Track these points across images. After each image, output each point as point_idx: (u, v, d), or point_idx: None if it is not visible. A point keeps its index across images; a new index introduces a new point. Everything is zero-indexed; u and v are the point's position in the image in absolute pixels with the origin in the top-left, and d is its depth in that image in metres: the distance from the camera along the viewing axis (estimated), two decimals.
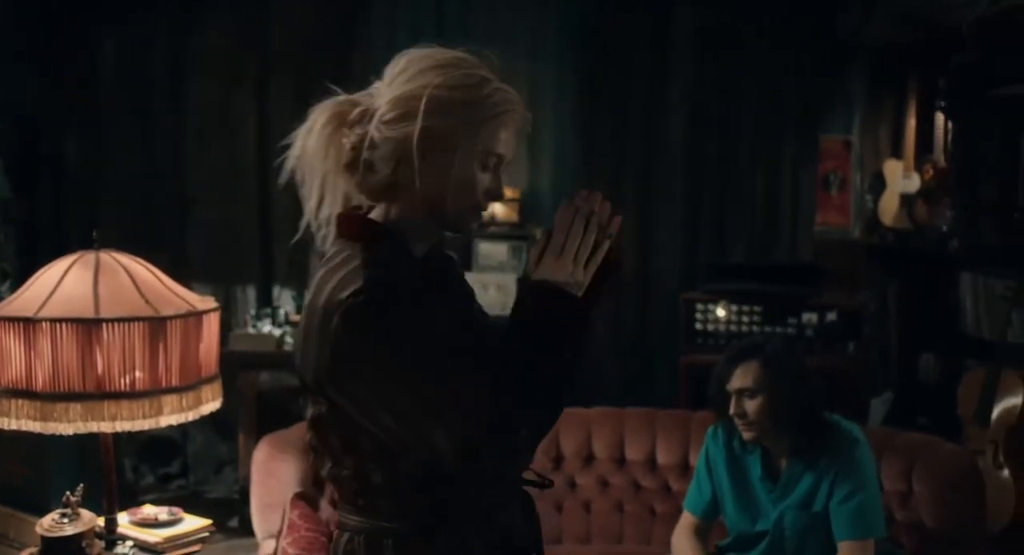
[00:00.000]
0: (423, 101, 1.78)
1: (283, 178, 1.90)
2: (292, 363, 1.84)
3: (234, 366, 5.70)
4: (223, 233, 6.70)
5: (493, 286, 6.70)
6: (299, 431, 3.90)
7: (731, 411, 3.17)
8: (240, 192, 6.70)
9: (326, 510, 3.74)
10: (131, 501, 4.42)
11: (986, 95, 5.85)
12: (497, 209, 6.91)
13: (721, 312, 5.55)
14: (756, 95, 6.80)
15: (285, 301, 6.64)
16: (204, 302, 3.03)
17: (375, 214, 1.87)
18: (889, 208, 7.07)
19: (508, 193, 6.94)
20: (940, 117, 6.79)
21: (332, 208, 1.89)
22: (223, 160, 6.69)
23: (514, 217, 6.95)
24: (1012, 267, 5.58)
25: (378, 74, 1.94)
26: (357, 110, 1.85)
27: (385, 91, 1.84)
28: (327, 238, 1.89)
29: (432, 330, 1.71)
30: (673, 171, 6.84)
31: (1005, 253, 5.67)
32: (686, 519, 3.42)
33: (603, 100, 6.89)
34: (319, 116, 1.88)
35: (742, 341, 3.31)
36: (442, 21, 7.05)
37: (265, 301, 6.62)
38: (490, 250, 6.88)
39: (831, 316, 5.43)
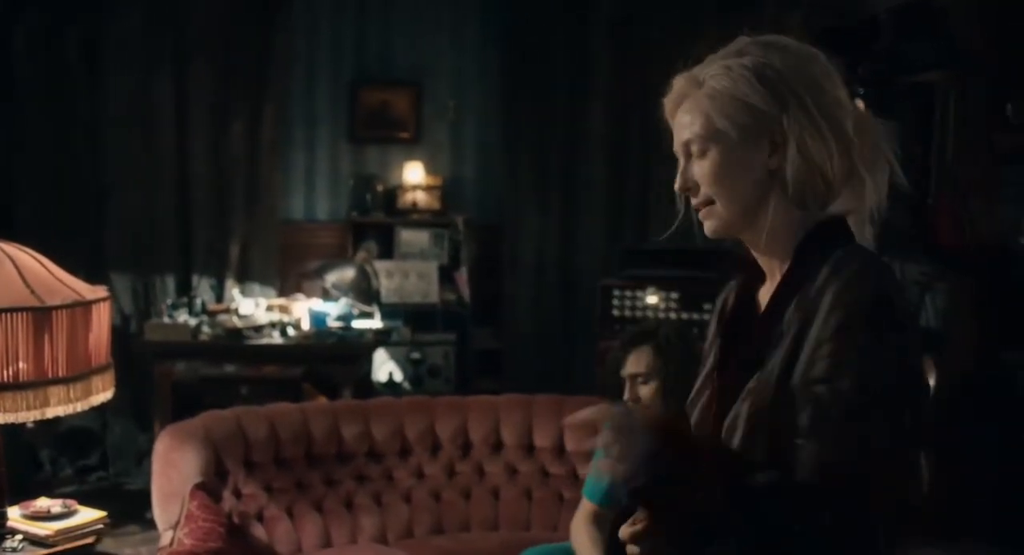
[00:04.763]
0: None
1: None
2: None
3: (150, 356, 5.67)
4: (141, 221, 6.64)
5: (414, 273, 6.69)
6: (201, 422, 3.86)
7: (625, 396, 3.18)
8: (159, 180, 6.64)
9: (229, 501, 3.72)
10: (50, 495, 4.37)
11: (899, 82, 5.90)
12: (419, 197, 6.89)
13: (653, 299, 5.56)
14: None
15: (203, 290, 6.58)
16: (94, 292, 2.98)
17: None
18: None
19: (430, 181, 6.94)
20: (860, 104, 6.85)
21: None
22: (141, 147, 6.62)
23: (436, 205, 6.94)
24: (925, 252, 5.63)
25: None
26: None
27: None
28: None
29: None
30: (595, 159, 6.85)
31: (918, 238, 5.72)
32: (585, 506, 3.42)
33: (525, 89, 6.89)
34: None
35: (635, 327, 3.31)
36: (364, 5, 7.02)
37: (184, 290, 6.56)
38: (412, 237, 6.87)
39: None
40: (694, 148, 1.71)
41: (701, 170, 1.70)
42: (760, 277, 1.78)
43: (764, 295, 1.76)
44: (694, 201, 1.73)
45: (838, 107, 1.65)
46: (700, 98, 1.69)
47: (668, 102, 1.77)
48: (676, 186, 1.74)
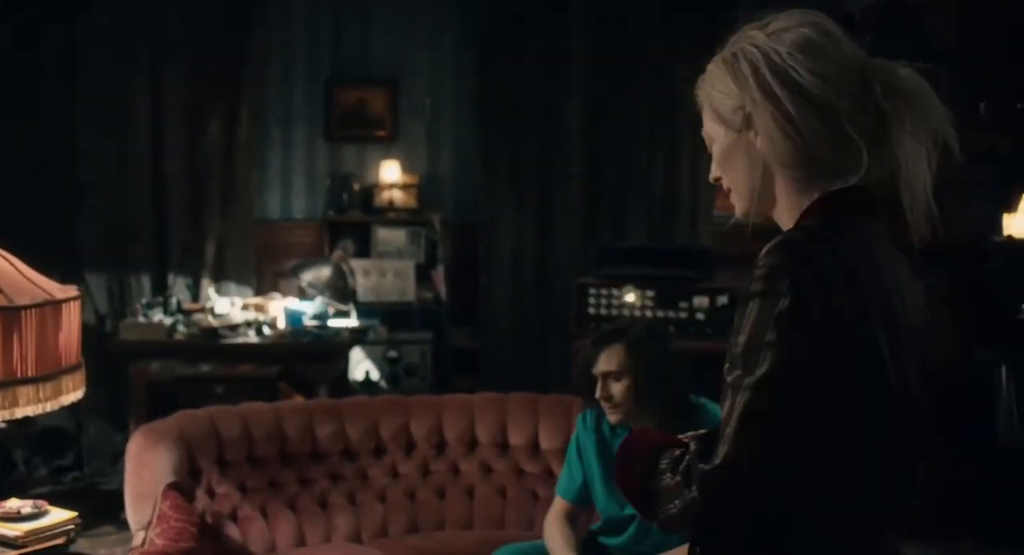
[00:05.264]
0: None
1: None
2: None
3: (125, 355, 5.65)
4: (117, 221, 6.62)
5: (391, 272, 6.68)
6: (174, 421, 3.85)
7: (597, 394, 3.19)
8: (134, 179, 6.62)
9: (202, 500, 3.71)
10: (23, 495, 4.34)
11: None
12: (396, 195, 6.89)
13: (630, 297, 5.57)
14: (654, 79, 6.83)
15: (179, 289, 6.56)
16: (64, 291, 2.96)
17: None
18: None
19: (407, 179, 6.93)
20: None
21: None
22: (117, 146, 6.61)
23: (413, 203, 6.93)
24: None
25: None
26: None
27: None
28: None
29: None
30: (571, 156, 6.86)
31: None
32: (558, 504, 3.43)
33: (502, 88, 6.89)
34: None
35: (607, 325, 3.32)
36: (340, 4, 7.01)
37: (160, 289, 6.54)
38: (388, 236, 6.86)
39: (722, 300, 5.47)
40: (707, 142, 1.79)
41: (713, 161, 1.78)
42: None
43: None
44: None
45: (813, 76, 1.64)
46: (702, 97, 1.77)
47: None
48: (710, 177, 1.83)
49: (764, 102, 1.65)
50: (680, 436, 1.72)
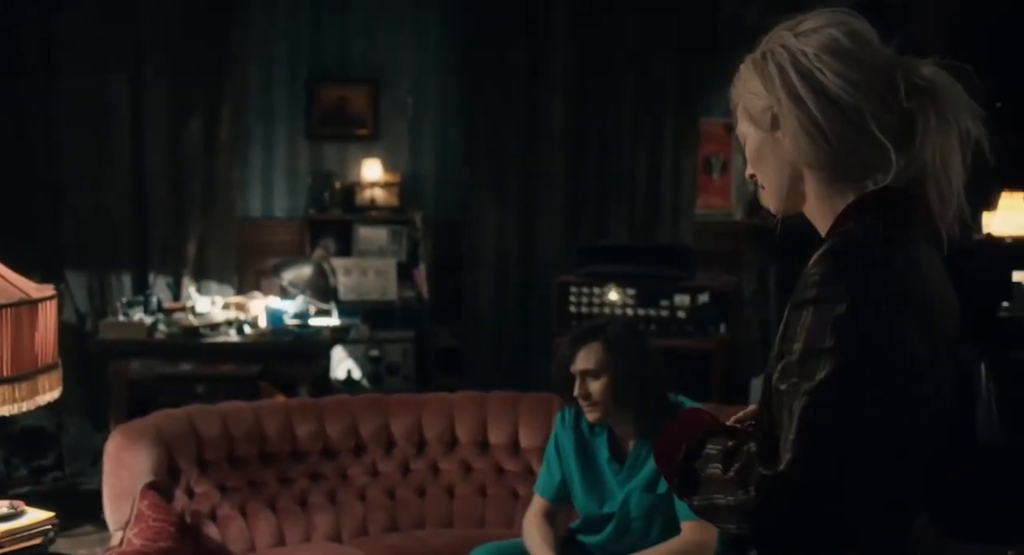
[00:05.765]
0: None
1: None
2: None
3: (105, 355, 5.63)
4: (97, 220, 6.61)
5: (372, 271, 6.68)
6: (153, 421, 3.84)
7: (575, 392, 3.20)
8: (115, 178, 6.61)
9: (181, 500, 3.70)
10: (3, 496, 4.32)
11: None
12: (377, 194, 6.88)
13: (613, 295, 5.57)
14: (636, 78, 6.83)
15: (160, 288, 6.55)
16: (40, 290, 2.95)
17: None
18: None
19: (388, 178, 6.92)
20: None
21: None
22: (97, 145, 6.59)
23: (395, 202, 6.93)
24: None
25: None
26: None
27: None
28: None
29: None
30: (554, 155, 6.86)
31: None
32: (537, 503, 3.44)
33: (484, 86, 6.89)
34: None
35: (585, 323, 3.33)
36: (321, 1, 7.00)
37: (141, 288, 6.53)
38: (370, 235, 6.86)
39: (703, 298, 5.48)
40: (741, 141, 1.81)
41: (747, 158, 1.80)
42: None
43: None
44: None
45: (840, 79, 1.65)
46: (735, 97, 1.79)
47: None
48: (746, 174, 1.85)
49: (790, 104, 1.67)
50: (737, 424, 1.74)
